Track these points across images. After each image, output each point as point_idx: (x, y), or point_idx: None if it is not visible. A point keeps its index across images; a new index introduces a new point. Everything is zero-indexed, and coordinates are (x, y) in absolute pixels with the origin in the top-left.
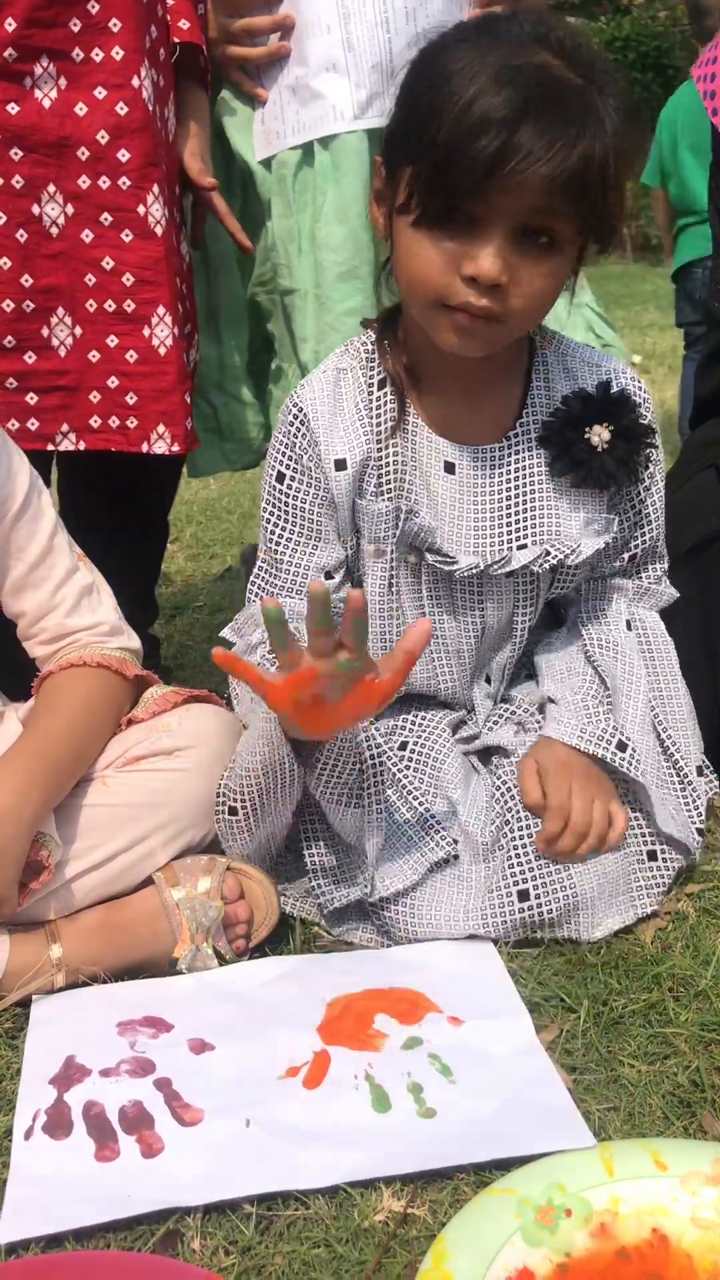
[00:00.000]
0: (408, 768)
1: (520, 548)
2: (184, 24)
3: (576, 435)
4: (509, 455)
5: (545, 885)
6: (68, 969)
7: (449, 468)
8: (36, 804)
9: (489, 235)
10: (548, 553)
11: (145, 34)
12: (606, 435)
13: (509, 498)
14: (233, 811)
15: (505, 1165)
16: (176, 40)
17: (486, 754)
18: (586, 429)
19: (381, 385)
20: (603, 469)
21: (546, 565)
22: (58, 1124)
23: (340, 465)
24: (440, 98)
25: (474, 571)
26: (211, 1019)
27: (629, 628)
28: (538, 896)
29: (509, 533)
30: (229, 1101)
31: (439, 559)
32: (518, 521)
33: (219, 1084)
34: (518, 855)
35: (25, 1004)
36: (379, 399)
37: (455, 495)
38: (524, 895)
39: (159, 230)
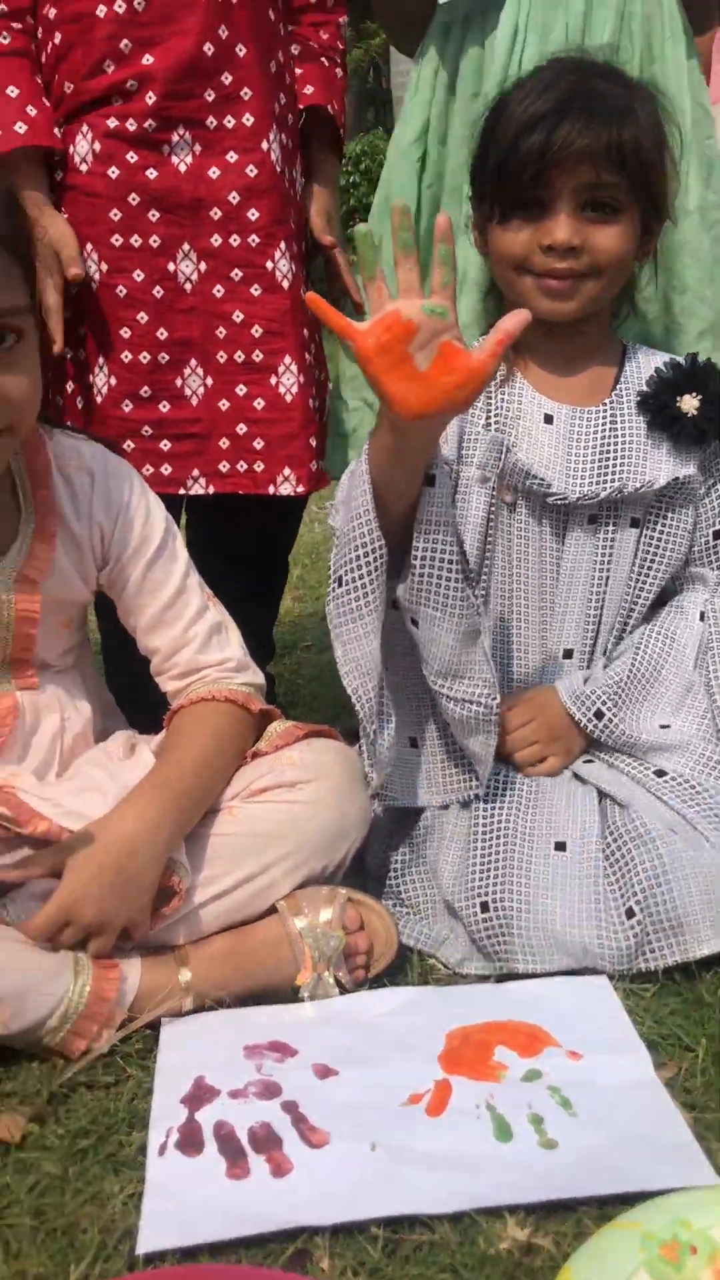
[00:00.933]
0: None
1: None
2: (309, 89)
3: (670, 399)
4: (604, 416)
5: (648, 900)
6: (195, 993)
7: (548, 419)
8: (168, 833)
9: (557, 210)
10: (624, 487)
11: (274, 100)
12: (695, 403)
13: (603, 449)
14: (340, 582)
15: (628, 1200)
16: (303, 106)
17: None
18: (678, 398)
19: None
20: (695, 425)
21: (631, 489)
22: (189, 1141)
23: None
24: (502, 118)
25: (563, 502)
26: (335, 1045)
27: (702, 619)
28: (644, 910)
29: (599, 480)
30: (354, 1125)
31: (536, 481)
32: (609, 471)
33: (343, 1108)
34: (625, 874)
35: (154, 1026)
36: None
37: (552, 443)
38: (630, 913)
39: (285, 284)
